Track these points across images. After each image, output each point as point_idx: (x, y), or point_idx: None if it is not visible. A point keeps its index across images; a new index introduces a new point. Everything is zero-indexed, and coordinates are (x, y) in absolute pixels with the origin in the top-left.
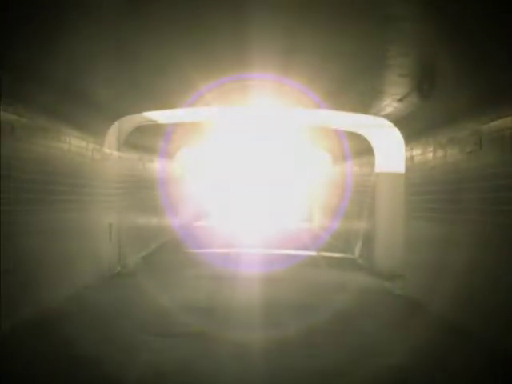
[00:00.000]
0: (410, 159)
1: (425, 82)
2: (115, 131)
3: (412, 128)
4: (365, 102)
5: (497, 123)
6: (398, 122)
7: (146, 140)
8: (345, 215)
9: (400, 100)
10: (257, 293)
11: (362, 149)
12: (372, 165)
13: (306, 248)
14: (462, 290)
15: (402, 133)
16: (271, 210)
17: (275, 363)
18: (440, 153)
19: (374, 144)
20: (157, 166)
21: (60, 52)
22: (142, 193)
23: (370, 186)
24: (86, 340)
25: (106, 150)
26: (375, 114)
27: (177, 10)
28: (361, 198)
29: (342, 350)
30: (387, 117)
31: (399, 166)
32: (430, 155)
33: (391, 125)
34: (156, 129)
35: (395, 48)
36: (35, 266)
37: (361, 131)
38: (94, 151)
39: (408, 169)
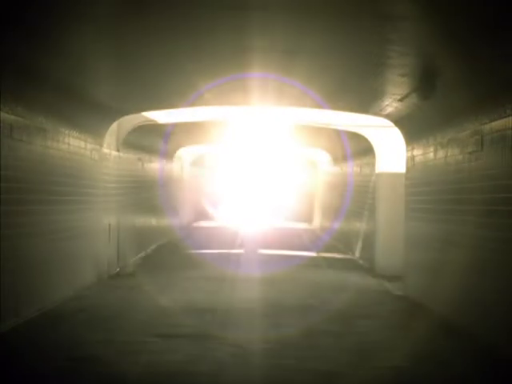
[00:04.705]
0: (411, 159)
1: (425, 82)
2: (114, 131)
3: (413, 128)
4: (365, 102)
5: (498, 123)
6: (399, 121)
7: (145, 140)
8: (345, 215)
9: (400, 100)
10: (257, 294)
11: (363, 149)
12: (372, 165)
13: (306, 249)
14: (462, 291)
15: (402, 133)
16: (271, 210)
17: (275, 364)
18: (441, 153)
19: (374, 144)
20: (156, 165)
21: (59, 51)
22: (142, 193)
23: (371, 187)
24: (85, 341)
25: (105, 150)
26: (376, 114)
27: (177, 9)
28: (361, 198)
29: (342, 351)
30: (388, 117)
31: (400, 166)
32: (431, 155)
33: (392, 125)
34: (155, 128)
35: (395, 48)
36: (34, 267)
37: (361, 131)
38: (92, 151)
39: (408, 169)
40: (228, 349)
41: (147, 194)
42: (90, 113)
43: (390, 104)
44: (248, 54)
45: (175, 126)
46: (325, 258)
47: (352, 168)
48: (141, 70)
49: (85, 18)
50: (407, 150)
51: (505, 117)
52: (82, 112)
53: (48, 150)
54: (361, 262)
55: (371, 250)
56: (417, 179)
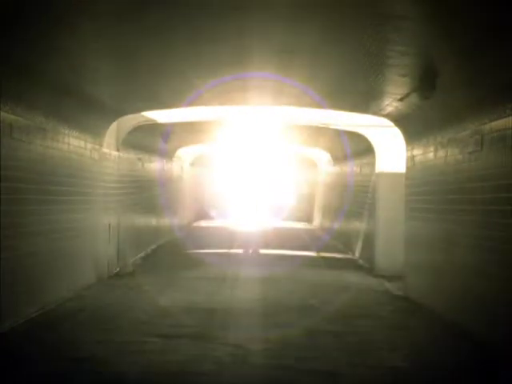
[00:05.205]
0: (411, 159)
1: (425, 82)
2: (114, 131)
3: (413, 128)
4: (365, 102)
5: (498, 123)
6: (399, 121)
7: (145, 139)
8: (345, 215)
9: (400, 100)
10: (257, 294)
11: (363, 148)
12: (372, 165)
13: (306, 248)
14: (462, 291)
15: (402, 132)
16: (271, 209)
17: (275, 364)
18: (441, 153)
19: (374, 144)
20: (156, 165)
21: (59, 52)
22: (141, 193)
23: (371, 187)
24: (85, 341)
25: (105, 150)
26: (376, 114)
27: (176, 9)
28: (361, 198)
29: (342, 351)
30: (388, 116)
31: (400, 166)
32: (431, 155)
33: (392, 124)
34: (155, 128)
35: (395, 47)
36: (33, 267)
37: (361, 131)
38: (92, 151)
39: (408, 169)
40: (228, 349)
41: (147, 194)
42: (89, 113)
43: (390, 104)
44: (247, 54)
45: (175, 125)
46: (325, 258)
47: (352, 168)
48: (140, 69)
49: (84, 18)
50: (407, 150)
51: (505, 117)
52: (81, 112)
53: (48, 149)
54: (361, 261)
55: (371, 249)
56: (417, 179)
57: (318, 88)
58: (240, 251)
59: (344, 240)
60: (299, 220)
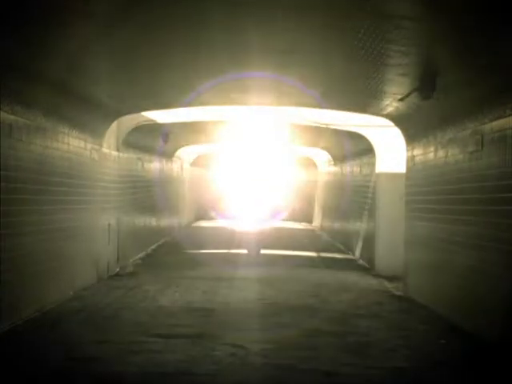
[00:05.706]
0: (411, 159)
1: (426, 82)
2: (114, 131)
3: (413, 128)
4: (365, 102)
5: (498, 123)
6: (399, 121)
7: (145, 139)
8: (345, 215)
9: (401, 99)
10: (257, 294)
11: (363, 148)
12: (372, 165)
13: (306, 249)
14: (463, 291)
15: (402, 132)
16: (271, 209)
17: (275, 364)
18: (441, 153)
19: (374, 144)
20: (156, 165)
21: (59, 52)
22: (141, 193)
23: (371, 187)
24: (84, 341)
25: (105, 150)
26: (376, 114)
27: (175, 9)
28: (361, 198)
29: (342, 351)
30: (388, 116)
31: (400, 166)
32: (431, 155)
33: (392, 124)
34: (155, 128)
35: (396, 47)
36: (33, 267)
37: (361, 131)
38: (92, 151)
39: (409, 169)
40: (228, 349)
41: (147, 194)
42: (89, 112)
43: (391, 104)
44: (247, 54)
45: (175, 125)
46: (325, 258)
47: (352, 168)
48: (140, 69)
49: (84, 19)
50: (407, 150)
51: (505, 116)
52: (81, 112)
53: (48, 149)
54: (361, 261)
55: (371, 249)
56: (417, 179)
57: (318, 88)
58: (240, 251)
59: (344, 240)
60: (299, 220)
